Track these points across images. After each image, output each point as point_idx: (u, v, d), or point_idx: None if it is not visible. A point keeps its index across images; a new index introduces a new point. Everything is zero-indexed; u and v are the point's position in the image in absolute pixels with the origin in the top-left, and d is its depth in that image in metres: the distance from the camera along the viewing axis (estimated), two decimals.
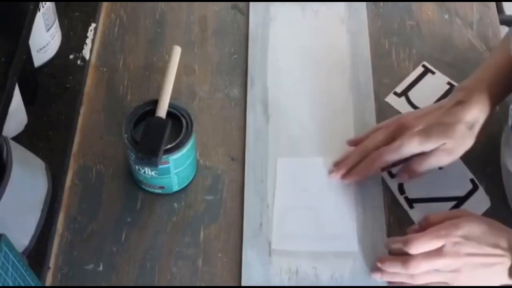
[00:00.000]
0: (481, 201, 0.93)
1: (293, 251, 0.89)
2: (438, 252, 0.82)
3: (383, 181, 0.95)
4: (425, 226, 0.85)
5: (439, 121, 0.89)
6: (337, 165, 0.94)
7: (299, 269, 0.88)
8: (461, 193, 0.93)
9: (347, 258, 0.88)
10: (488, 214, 0.91)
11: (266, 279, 0.87)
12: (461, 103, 0.90)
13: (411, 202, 0.93)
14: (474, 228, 0.83)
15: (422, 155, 0.90)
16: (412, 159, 0.91)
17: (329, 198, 0.93)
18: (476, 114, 0.89)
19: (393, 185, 0.94)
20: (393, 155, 0.90)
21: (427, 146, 0.89)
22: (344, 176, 0.93)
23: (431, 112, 0.91)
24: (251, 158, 0.96)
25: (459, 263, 0.82)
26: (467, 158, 0.96)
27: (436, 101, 1.01)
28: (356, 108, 1.00)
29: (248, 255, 0.89)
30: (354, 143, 0.95)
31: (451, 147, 0.89)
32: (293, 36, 1.08)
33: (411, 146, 0.89)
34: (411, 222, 0.91)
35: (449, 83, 1.03)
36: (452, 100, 0.91)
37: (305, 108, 1.01)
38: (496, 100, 0.91)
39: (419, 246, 0.82)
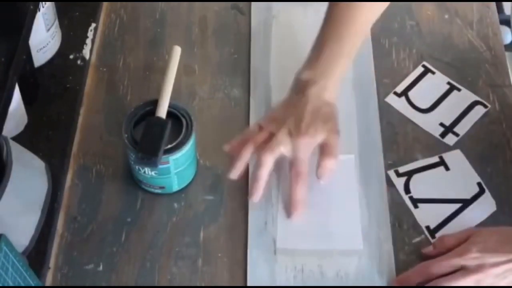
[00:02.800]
0: (486, 204, 0.92)
1: (298, 250, 0.89)
2: (463, 272, 0.83)
3: (388, 179, 0.95)
4: (439, 247, 0.87)
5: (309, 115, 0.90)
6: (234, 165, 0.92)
7: (305, 267, 0.88)
8: (467, 195, 0.93)
9: (352, 256, 0.89)
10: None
11: (272, 277, 0.87)
12: (310, 84, 0.91)
13: (416, 202, 0.93)
14: (487, 240, 0.84)
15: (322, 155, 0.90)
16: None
17: (333, 196, 0.93)
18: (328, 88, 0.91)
19: (399, 184, 0.94)
20: (273, 154, 0.89)
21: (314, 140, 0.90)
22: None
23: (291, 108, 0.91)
24: (254, 157, 0.96)
25: (488, 276, 0.82)
26: (467, 157, 0.96)
27: (436, 101, 1.02)
28: (359, 107, 1.00)
29: (254, 254, 0.89)
30: (235, 148, 0.92)
31: (333, 127, 0.91)
32: (295, 35, 1.08)
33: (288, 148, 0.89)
34: (414, 222, 0.91)
35: (449, 83, 1.03)
36: (300, 87, 0.91)
37: None
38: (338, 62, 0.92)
39: (440, 267, 0.84)
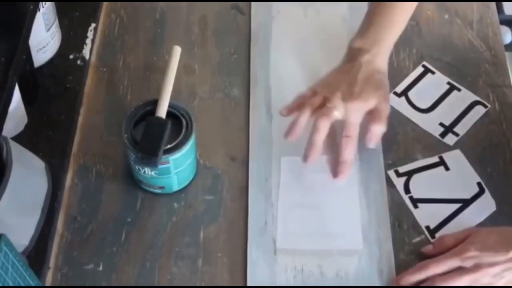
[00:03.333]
0: (486, 204, 0.92)
1: (298, 250, 0.89)
2: (460, 271, 0.83)
3: (388, 179, 0.95)
4: (439, 247, 0.87)
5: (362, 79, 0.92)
6: (291, 131, 0.93)
7: (304, 267, 0.88)
8: (467, 195, 0.93)
9: (352, 256, 0.89)
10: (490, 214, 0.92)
11: (272, 277, 0.87)
12: (363, 52, 0.93)
13: (416, 202, 0.93)
14: (486, 240, 0.84)
15: (371, 120, 0.92)
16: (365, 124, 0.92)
17: (333, 196, 0.93)
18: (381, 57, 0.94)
19: (399, 184, 0.94)
20: (329, 119, 0.90)
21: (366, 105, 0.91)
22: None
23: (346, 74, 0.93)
24: (254, 157, 0.96)
25: (485, 275, 0.82)
26: (467, 157, 0.96)
27: (436, 101, 1.02)
28: None
29: (253, 253, 0.89)
30: (291, 112, 0.94)
31: (384, 95, 0.92)
32: (295, 35, 1.08)
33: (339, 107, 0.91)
34: (414, 222, 0.91)
35: (449, 83, 1.03)
36: (355, 55, 0.94)
37: None
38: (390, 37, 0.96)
39: (438, 266, 0.84)
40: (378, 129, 0.92)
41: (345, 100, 0.91)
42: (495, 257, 0.82)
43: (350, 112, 0.91)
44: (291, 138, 0.92)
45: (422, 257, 0.88)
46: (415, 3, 0.99)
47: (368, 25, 0.96)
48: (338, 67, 0.96)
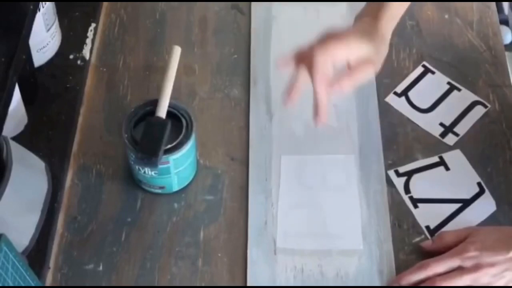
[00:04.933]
0: (486, 204, 0.92)
1: (298, 249, 0.89)
2: (460, 271, 0.83)
3: (388, 179, 0.95)
4: (438, 242, 0.87)
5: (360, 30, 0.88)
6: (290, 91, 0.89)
7: (305, 267, 0.88)
8: (467, 195, 0.93)
9: (352, 256, 0.89)
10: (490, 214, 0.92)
11: (272, 277, 0.87)
12: (368, 17, 0.89)
13: (416, 202, 0.93)
14: (486, 239, 0.84)
15: (348, 71, 0.86)
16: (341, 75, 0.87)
17: (333, 196, 0.93)
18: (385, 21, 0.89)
19: (399, 184, 0.94)
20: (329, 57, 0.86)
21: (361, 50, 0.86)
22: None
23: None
24: (254, 156, 0.96)
25: (485, 275, 0.82)
26: (467, 157, 0.96)
27: (436, 101, 1.02)
28: (359, 107, 1.01)
29: (253, 253, 0.89)
30: (287, 61, 0.90)
31: (372, 57, 0.87)
32: (295, 35, 1.08)
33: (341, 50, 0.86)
34: (414, 222, 0.91)
35: (449, 83, 1.03)
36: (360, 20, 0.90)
37: (308, 106, 1.00)
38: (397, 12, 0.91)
39: (438, 265, 0.84)
40: (348, 85, 0.86)
41: (328, 45, 0.85)
42: (495, 257, 0.82)
43: (323, 52, 0.85)
44: (290, 103, 0.88)
45: (422, 257, 0.88)
46: None
47: (370, 2, 0.92)
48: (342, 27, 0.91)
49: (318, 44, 0.86)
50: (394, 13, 0.91)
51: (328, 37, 0.86)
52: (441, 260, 0.84)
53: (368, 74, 0.87)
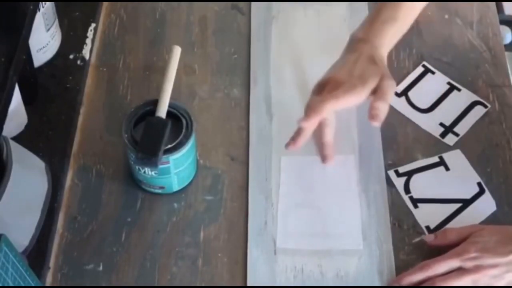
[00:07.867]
0: (486, 204, 0.92)
1: (298, 249, 0.89)
2: (460, 272, 0.83)
3: (388, 179, 0.95)
4: (441, 238, 0.87)
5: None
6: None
7: (305, 267, 0.88)
8: (467, 195, 0.93)
9: (352, 256, 0.89)
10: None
11: (272, 277, 0.87)
12: (363, 42, 0.93)
13: (416, 202, 0.93)
14: (487, 240, 0.84)
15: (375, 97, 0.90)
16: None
17: (333, 196, 0.93)
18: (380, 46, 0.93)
19: (399, 184, 0.94)
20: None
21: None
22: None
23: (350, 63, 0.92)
24: (254, 156, 0.96)
25: (486, 276, 0.82)
26: (467, 157, 0.96)
27: (436, 101, 1.01)
28: (359, 107, 1.00)
29: (253, 253, 0.89)
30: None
31: (384, 73, 0.91)
32: (295, 35, 1.09)
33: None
34: (414, 222, 0.91)
35: (449, 83, 1.03)
36: (355, 47, 0.93)
37: None
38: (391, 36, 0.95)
39: (439, 266, 0.84)
40: (380, 105, 0.88)
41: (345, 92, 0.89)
42: (496, 258, 0.82)
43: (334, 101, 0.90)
44: (292, 148, 0.92)
45: (423, 257, 0.88)
46: (424, 3, 0.98)
47: (371, 18, 0.95)
48: (340, 59, 0.94)
49: (328, 95, 0.90)
50: (393, 41, 0.95)
51: (334, 85, 0.90)
52: (442, 261, 0.84)
53: (393, 88, 0.91)
